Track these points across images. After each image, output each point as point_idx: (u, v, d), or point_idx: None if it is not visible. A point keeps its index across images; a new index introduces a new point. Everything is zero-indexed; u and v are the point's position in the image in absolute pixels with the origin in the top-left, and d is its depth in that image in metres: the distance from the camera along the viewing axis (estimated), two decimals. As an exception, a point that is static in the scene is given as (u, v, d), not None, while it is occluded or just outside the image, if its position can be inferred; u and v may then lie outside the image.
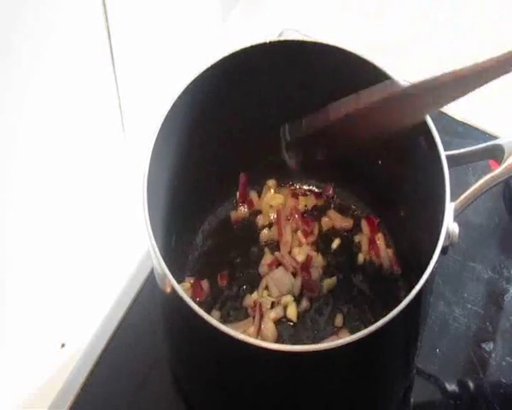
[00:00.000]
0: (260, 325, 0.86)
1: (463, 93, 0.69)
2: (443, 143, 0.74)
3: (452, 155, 0.75)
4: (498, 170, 0.75)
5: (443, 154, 0.73)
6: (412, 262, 0.86)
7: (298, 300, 0.89)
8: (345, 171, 0.92)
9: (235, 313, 0.89)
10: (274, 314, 0.88)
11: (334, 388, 0.75)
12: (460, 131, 1.06)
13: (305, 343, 0.86)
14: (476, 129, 1.07)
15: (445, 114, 1.07)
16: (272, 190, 0.97)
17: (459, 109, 1.08)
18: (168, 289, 0.70)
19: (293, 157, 0.79)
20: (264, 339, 0.85)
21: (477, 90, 1.09)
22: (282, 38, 0.83)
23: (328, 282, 0.90)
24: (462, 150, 0.78)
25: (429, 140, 0.74)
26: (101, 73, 0.89)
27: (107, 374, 0.88)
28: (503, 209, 1.01)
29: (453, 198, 0.72)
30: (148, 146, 0.74)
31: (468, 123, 1.07)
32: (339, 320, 0.88)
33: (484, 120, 1.07)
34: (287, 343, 0.86)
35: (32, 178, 0.84)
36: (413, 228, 0.85)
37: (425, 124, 0.75)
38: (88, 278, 0.94)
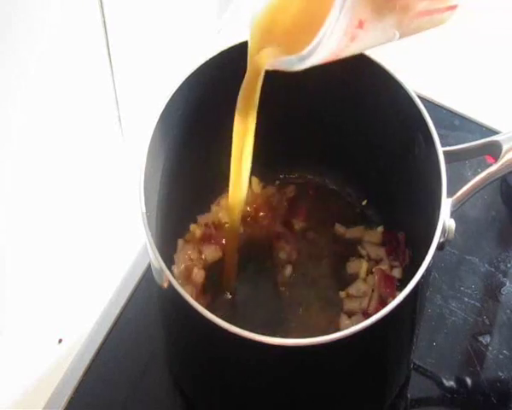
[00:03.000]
0: None
1: None
2: (439, 137, 0.74)
3: (449, 151, 0.75)
4: (495, 166, 0.75)
5: (440, 150, 0.73)
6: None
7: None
8: (339, 168, 0.93)
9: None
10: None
11: (328, 382, 0.75)
12: (456, 124, 1.06)
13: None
14: (473, 122, 1.06)
15: (442, 106, 1.07)
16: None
17: (456, 102, 1.08)
18: (165, 284, 0.70)
19: None
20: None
21: (473, 83, 1.10)
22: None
23: None
24: (459, 146, 0.78)
25: (426, 136, 0.74)
26: (98, 69, 0.89)
27: (104, 369, 0.88)
28: (499, 203, 1.01)
29: (449, 193, 0.72)
30: (145, 142, 0.74)
31: (465, 116, 1.07)
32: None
33: (480, 113, 1.07)
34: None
35: (30, 176, 0.84)
36: (409, 223, 0.86)
37: (422, 120, 0.75)
38: (85, 274, 0.94)
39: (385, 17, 0.58)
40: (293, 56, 0.61)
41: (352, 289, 0.89)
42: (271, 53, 0.67)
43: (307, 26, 0.62)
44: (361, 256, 0.92)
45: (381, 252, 0.91)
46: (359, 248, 0.92)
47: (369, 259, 0.91)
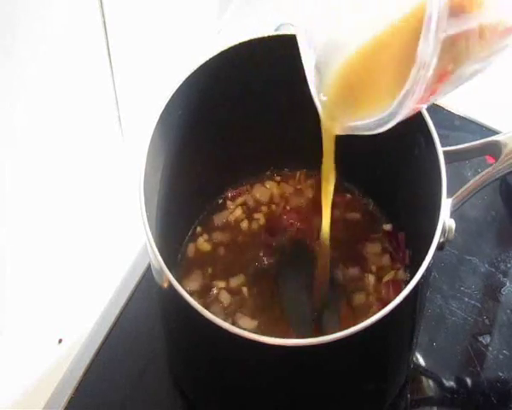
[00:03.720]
0: None
1: None
2: (439, 137, 0.74)
3: (449, 151, 0.75)
4: (495, 166, 0.75)
5: (440, 150, 0.73)
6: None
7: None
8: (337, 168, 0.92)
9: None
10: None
11: (328, 382, 0.74)
12: (457, 124, 1.06)
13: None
14: (473, 122, 1.07)
15: (442, 107, 1.07)
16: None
17: (456, 103, 1.08)
18: (165, 284, 0.70)
19: None
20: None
21: (473, 83, 1.10)
22: (280, 33, 0.83)
23: None
24: (459, 146, 0.78)
25: (426, 136, 0.74)
26: (98, 69, 0.89)
27: (104, 369, 0.88)
28: (499, 203, 1.01)
29: (449, 193, 0.72)
30: (145, 142, 0.74)
31: (465, 116, 1.07)
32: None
33: (480, 113, 1.07)
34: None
35: (31, 176, 0.84)
36: (409, 223, 0.86)
37: (422, 120, 0.74)
38: (85, 274, 0.94)
39: (462, 65, 0.55)
40: (372, 120, 0.58)
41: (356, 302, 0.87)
42: (345, 117, 0.64)
43: (384, 86, 0.59)
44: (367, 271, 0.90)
45: (385, 260, 0.90)
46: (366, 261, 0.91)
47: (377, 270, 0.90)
